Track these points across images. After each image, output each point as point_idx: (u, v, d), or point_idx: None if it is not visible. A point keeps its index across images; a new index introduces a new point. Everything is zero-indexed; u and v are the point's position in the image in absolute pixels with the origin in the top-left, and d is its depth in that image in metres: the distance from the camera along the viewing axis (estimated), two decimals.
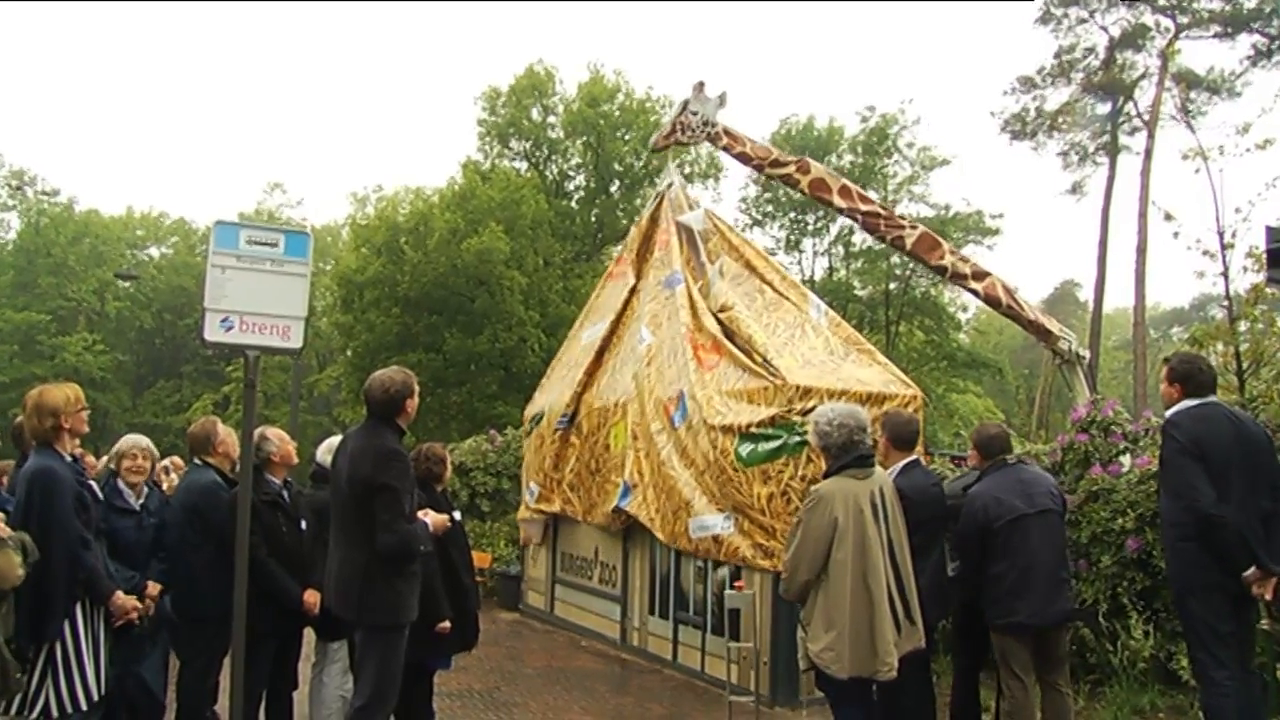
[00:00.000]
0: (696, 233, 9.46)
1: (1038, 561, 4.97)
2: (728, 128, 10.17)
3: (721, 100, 10.09)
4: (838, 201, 10.44)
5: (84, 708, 4.26)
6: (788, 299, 8.76)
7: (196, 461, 5.36)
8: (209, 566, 4.98)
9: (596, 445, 9.36)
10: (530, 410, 10.99)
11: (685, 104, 10.07)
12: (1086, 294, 40.30)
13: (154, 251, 48.53)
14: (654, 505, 8.24)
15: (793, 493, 6.89)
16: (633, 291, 9.96)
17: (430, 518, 4.69)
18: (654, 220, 10.18)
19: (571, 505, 9.65)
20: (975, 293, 10.69)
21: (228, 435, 5.48)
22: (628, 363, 9.27)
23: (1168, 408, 4.81)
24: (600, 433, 9.32)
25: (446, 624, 5.07)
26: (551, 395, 10.45)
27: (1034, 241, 74.11)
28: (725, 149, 10.36)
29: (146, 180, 75.07)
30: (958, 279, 10.76)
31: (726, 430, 7.39)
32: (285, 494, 5.42)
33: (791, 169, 10.36)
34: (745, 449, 7.22)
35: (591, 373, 9.81)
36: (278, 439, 5.47)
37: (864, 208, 10.48)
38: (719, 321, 8.42)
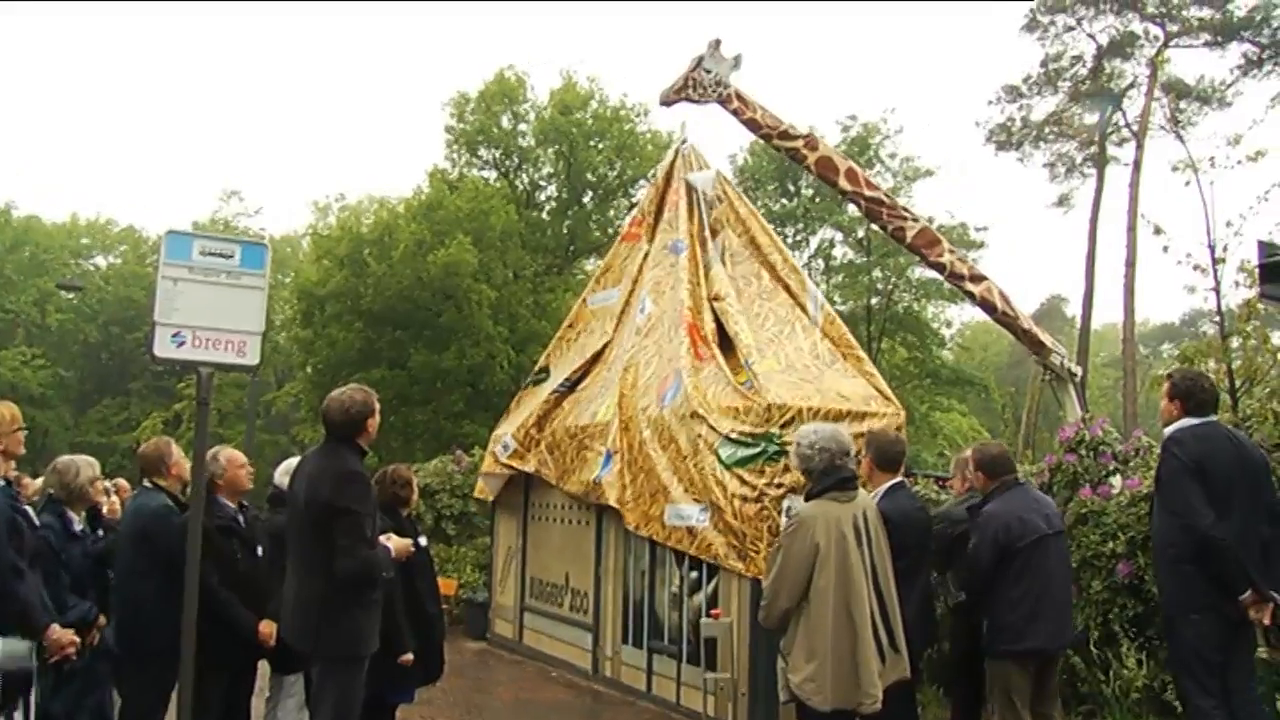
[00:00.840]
0: (704, 195, 9.54)
1: (1054, 584, 5.02)
2: (739, 91, 10.19)
3: (736, 62, 10.09)
4: (843, 183, 10.51)
5: None
6: (787, 286, 8.88)
7: (146, 484, 5.26)
8: (157, 596, 4.86)
9: (585, 413, 9.37)
10: (540, 364, 11.06)
11: (699, 60, 9.98)
12: (1074, 309, 40.87)
13: (100, 261, 47.64)
14: (629, 486, 8.28)
15: (766, 500, 6.98)
16: (646, 256, 10.08)
17: (393, 543, 4.65)
18: (667, 179, 10.29)
19: (547, 467, 9.59)
20: (971, 295, 10.77)
21: (180, 457, 5.40)
22: (633, 334, 9.41)
23: (1166, 425, 4.84)
24: (596, 402, 9.31)
25: (409, 656, 5.03)
26: (562, 359, 10.51)
27: (1020, 255, 74.85)
28: (735, 113, 10.36)
29: (93, 186, 74.05)
30: (955, 279, 10.84)
31: (712, 428, 7.46)
32: (240, 518, 5.35)
33: (800, 144, 10.41)
34: (726, 451, 7.32)
35: (608, 344, 9.87)
36: (227, 461, 5.38)
37: (868, 193, 10.55)
38: (713, 310, 8.57)
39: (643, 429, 8.26)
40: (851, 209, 31.22)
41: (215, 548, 4.95)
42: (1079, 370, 11.51)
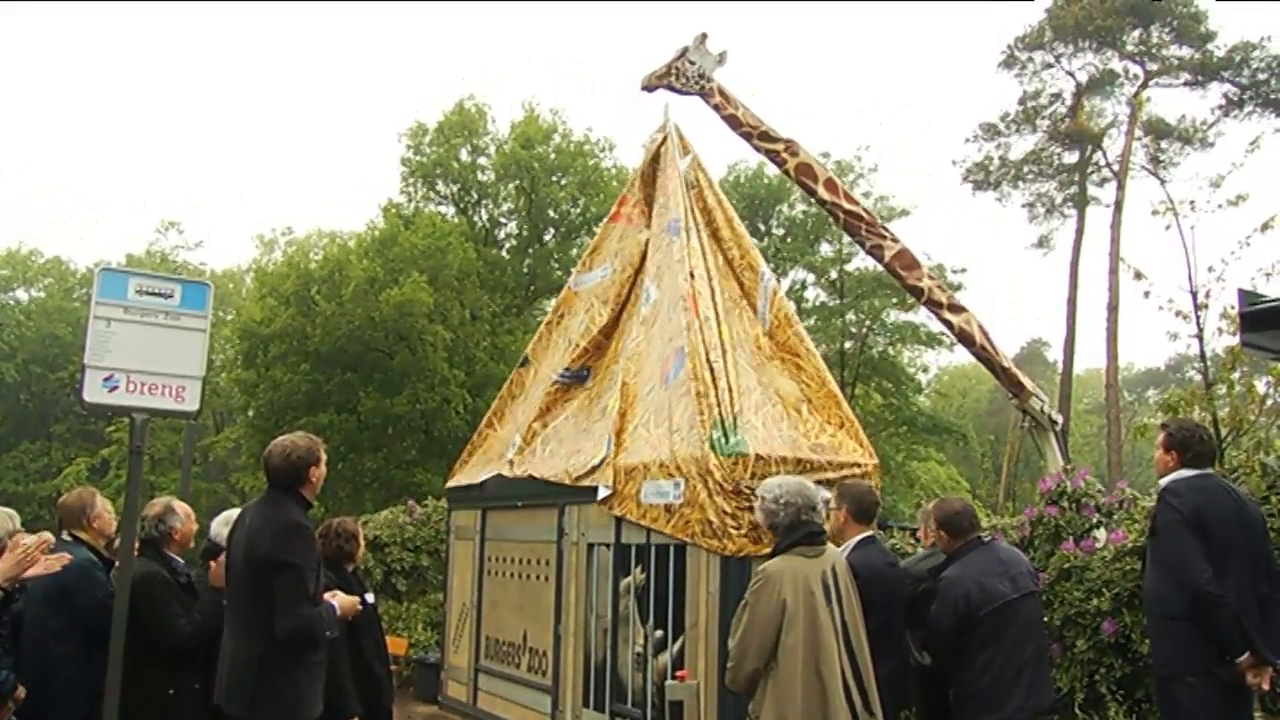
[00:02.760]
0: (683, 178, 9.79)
1: (1024, 650, 4.96)
2: (722, 86, 10.38)
3: (721, 59, 10.35)
4: (822, 192, 10.65)
5: None
6: (741, 283, 9.09)
7: (66, 537, 5.11)
8: (70, 663, 4.74)
9: (596, 408, 9.39)
10: (527, 350, 11.14)
11: (685, 51, 10.24)
12: (1055, 353, 41.42)
13: (21, 294, 46.50)
14: (621, 469, 8.34)
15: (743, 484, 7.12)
16: (648, 243, 10.19)
17: (338, 600, 4.61)
18: (655, 160, 10.41)
19: (547, 460, 9.52)
20: (949, 324, 10.85)
21: (105, 509, 5.26)
22: (639, 325, 9.54)
23: (1162, 476, 4.87)
24: (606, 396, 9.33)
25: None
26: (551, 347, 10.59)
27: (1000, 298, 76.27)
28: (716, 108, 10.51)
29: (13, 213, 72.66)
30: (933, 306, 10.93)
31: (715, 404, 7.64)
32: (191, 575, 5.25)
33: (780, 147, 10.56)
34: (715, 433, 7.45)
35: (609, 333, 9.92)
36: (185, 514, 5.28)
37: (848, 206, 10.67)
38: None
39: (641, 412, 8.44)
40: (825, 249, 31.88)
41: (184, 606, 4.86)
42: (1060, 418, 11.60)
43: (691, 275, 8.77)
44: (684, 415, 7.81)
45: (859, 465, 7.47)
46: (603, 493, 8.25)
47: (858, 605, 4.60)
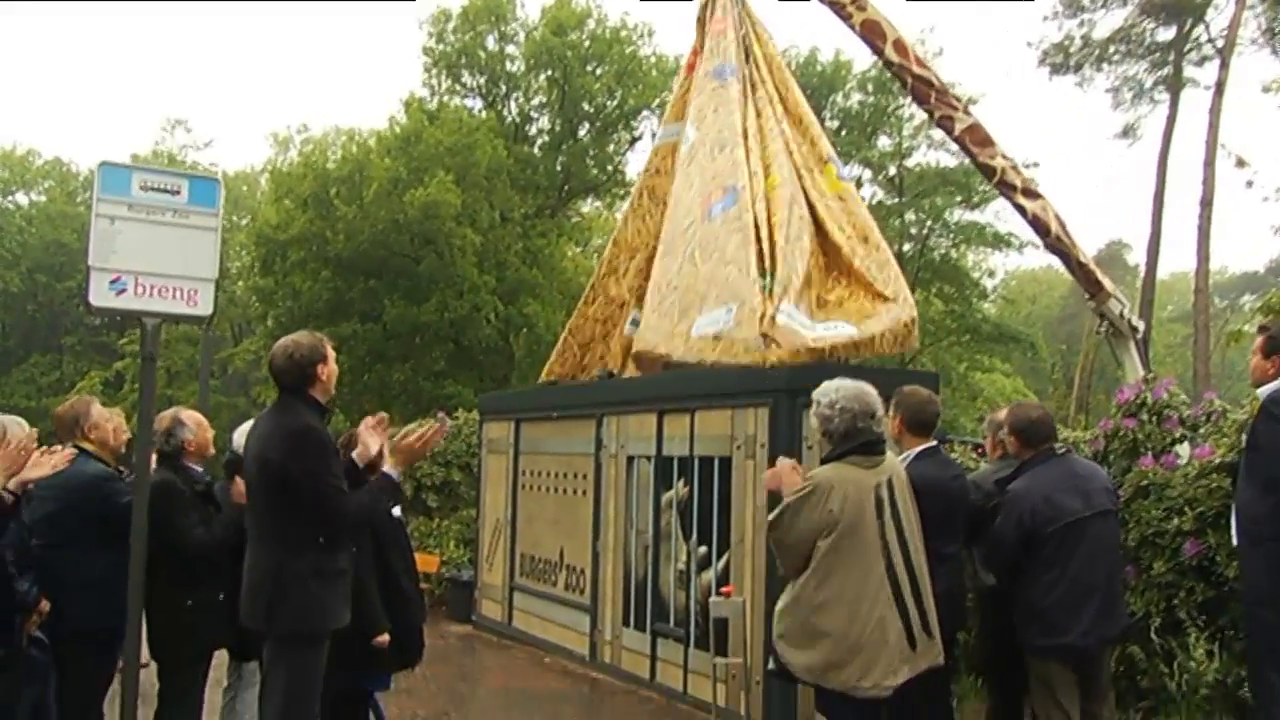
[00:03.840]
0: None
1: (1095, 573, 4.93)
2: None
3: None
4: (889, 53, 10.43)
5: None
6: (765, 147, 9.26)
7: (72, 448, 5.15)
8: (87, 574, 4.85)
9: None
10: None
11: None
12: (1138, 256, 40.56)
13: (21, 199, 46.58)
14: (656, 310, 9.09)
15: None
16: (688, 90, 10.51)
17: (390, 465, 4.59)
18: (709, 8, 10.50)
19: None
20: (1021, 210, 10.60)
21: (104, 419, 5.27)
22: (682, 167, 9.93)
23: (1258, 384, 4.75)
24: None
25: (385, 637, 5.07)
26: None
27: (1077, 196, 74.37)
28: None
29: (7, 112, 72.50)
30: (1005, 189, 10.69)
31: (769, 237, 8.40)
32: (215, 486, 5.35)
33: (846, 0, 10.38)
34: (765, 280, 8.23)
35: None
36: (195, 424, 5.33)
37: (917, 70, 10.46)
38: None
39: (685, 246, 8.97)
40: (883, 142, 31.23)
41: (202, 516, 4.95)
42: (1141, 324, 11.34)
43: (758, 114, 9.29)
44: (736, 249, 8.39)
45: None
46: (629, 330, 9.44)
47: (916, 520, 4.57)
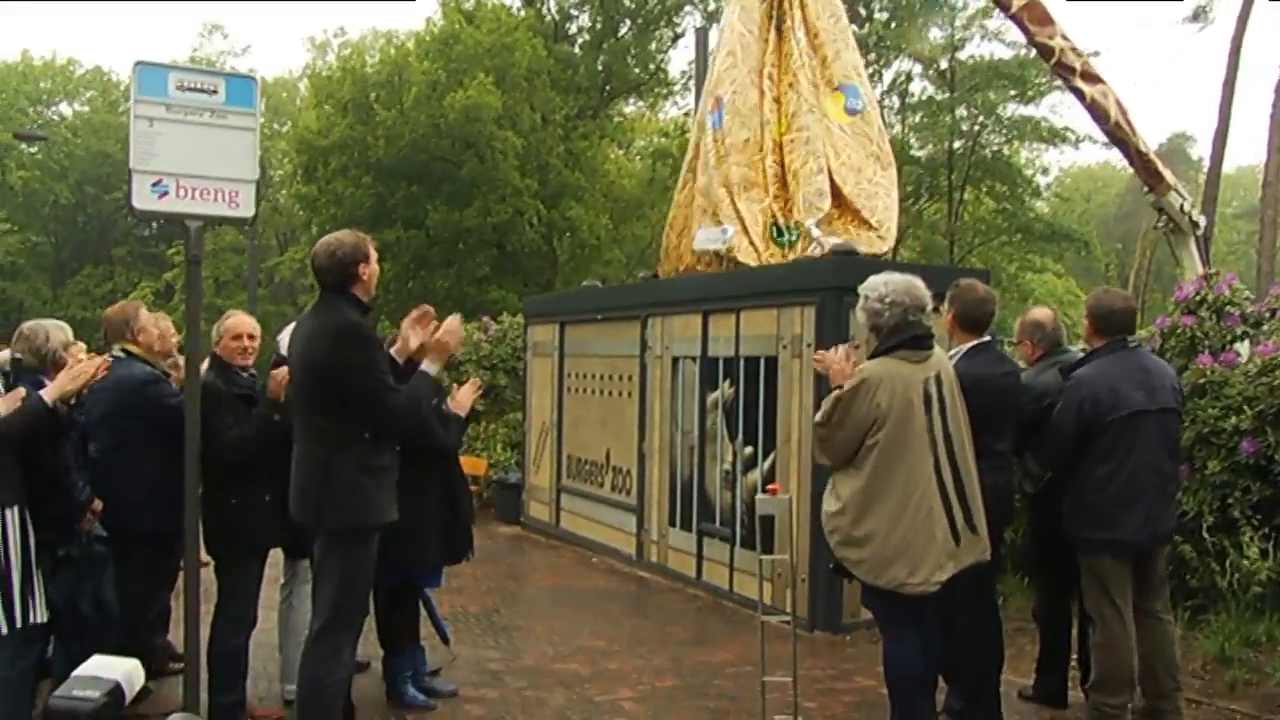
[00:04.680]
0: None
1: (1152, 470, 4.86)
2: None
3: None
4: None
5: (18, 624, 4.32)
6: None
7: (118, 352, 5.25)
8: (155, 473, 4.99)
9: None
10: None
11: None
12: (1202, 150, 39.26)
13: (65, 109, 46.41)
14: (671, 225, 9.73)
15: None
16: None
17: (428, 365, 4.63)
18: None
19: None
20: (1079, 94, 10.30)
21: (150, 323, 5.37)
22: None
23: None
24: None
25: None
26: None
27: (1138, 86, 71.81)
28: None
29: (44, 19, 71.45)
30: (1063, 71, 10.40)
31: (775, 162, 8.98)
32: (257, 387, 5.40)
33: None
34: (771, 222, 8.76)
35: None
36: (224, 330, 5.25)
37: None
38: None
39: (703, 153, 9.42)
40: (935, 34, 30.30)
41: (238, 417, 5.02)
42: (1203, 220, 11.02)
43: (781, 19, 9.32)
44: (739, 174, 8.79)
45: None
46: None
47: (964, 415, 4.53)
